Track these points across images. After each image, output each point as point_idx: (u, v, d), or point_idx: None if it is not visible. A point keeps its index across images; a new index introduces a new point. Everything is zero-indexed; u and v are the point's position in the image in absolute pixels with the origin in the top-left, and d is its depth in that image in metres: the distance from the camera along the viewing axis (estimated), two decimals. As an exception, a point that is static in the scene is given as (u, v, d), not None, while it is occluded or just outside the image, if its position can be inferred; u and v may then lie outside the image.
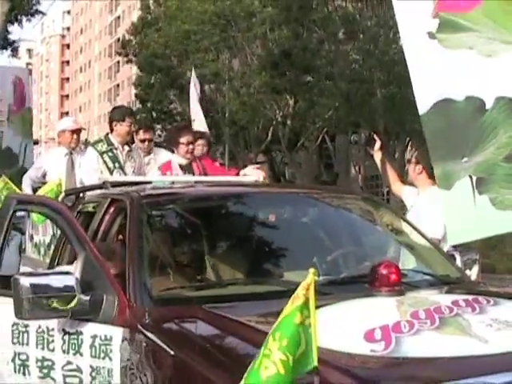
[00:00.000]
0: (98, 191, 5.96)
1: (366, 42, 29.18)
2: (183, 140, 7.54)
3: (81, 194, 6.35)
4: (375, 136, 7.86)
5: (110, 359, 4.00)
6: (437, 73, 3.25)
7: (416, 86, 3.41)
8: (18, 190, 8.63)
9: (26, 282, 4.08)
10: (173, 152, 7.73)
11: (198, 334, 3.70)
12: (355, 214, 5.67)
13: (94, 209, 5.80)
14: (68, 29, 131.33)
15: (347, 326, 3.32)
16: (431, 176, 6.98)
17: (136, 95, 44.48)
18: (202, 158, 8.07)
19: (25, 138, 8.74)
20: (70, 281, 4.09)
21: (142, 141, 8.11)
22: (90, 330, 4.14)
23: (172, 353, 3.55)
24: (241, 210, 5.30)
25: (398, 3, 3.39)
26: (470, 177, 3.24)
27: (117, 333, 4.00)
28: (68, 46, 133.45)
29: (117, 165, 7.41)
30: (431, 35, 3.17)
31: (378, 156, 7.43)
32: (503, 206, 3.17)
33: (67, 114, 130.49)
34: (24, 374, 4.59)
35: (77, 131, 8.38)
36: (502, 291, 4.56)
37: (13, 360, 4.64)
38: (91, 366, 4.10)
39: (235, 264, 4.69)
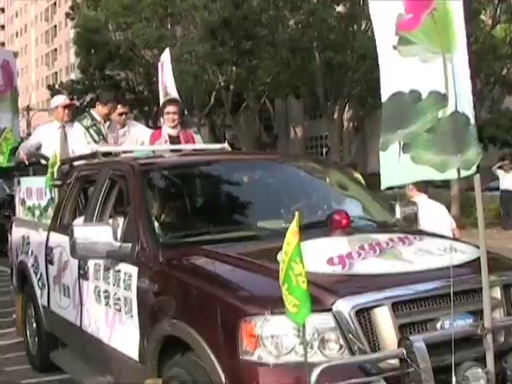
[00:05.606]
0: (92, 160, 7.14)
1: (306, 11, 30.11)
2: (167, 110, 8.58)
3: (74, 163, 7.56)
4: None
5: (131, 291, 5.24)
6: (395, 73, 4.36)
7: (383, 83, 4.41)
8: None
9: (78, 230, 5.43)
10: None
11: (201, 266, 4.93)
12: (310, 174, 7.01)
13: (90, 175, 6.99)
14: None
15: (314, 256, 4.50)
16: (420, 189, 8.45)
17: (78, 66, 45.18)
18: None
19: (14, 115, 9.64)
20: (107, 231, 5.41)
21: (120, 114, 9.04)
22: (123, 268, 5.42)
23: (184, 280, 4.81)
24: (219, 172, 6.50)
25: (377, 25, 4.49)
26: (399, 142, 4.40)
27: (135, 271, 5.24)
28: (3, 10, 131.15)
29: (101, 137, 8.55)
30: (394, 47, 4.29)
31: None
32: (419, 162, 4.34)
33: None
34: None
35: (69, 106, 9.28)
36: (425, 231, 5.94)
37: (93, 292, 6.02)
38: (124, 296, 5.38)
39: (219, 215, 5.89)
